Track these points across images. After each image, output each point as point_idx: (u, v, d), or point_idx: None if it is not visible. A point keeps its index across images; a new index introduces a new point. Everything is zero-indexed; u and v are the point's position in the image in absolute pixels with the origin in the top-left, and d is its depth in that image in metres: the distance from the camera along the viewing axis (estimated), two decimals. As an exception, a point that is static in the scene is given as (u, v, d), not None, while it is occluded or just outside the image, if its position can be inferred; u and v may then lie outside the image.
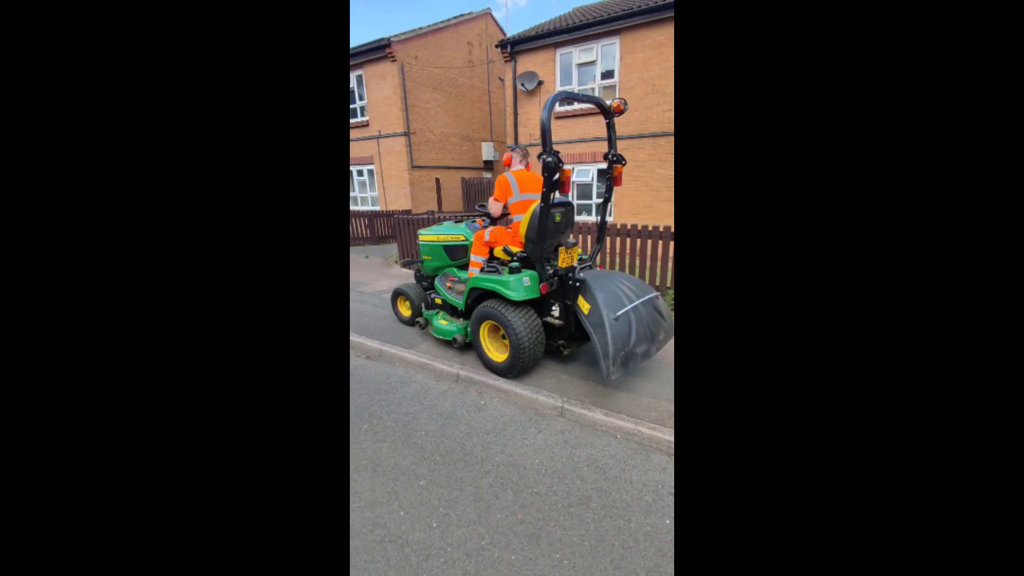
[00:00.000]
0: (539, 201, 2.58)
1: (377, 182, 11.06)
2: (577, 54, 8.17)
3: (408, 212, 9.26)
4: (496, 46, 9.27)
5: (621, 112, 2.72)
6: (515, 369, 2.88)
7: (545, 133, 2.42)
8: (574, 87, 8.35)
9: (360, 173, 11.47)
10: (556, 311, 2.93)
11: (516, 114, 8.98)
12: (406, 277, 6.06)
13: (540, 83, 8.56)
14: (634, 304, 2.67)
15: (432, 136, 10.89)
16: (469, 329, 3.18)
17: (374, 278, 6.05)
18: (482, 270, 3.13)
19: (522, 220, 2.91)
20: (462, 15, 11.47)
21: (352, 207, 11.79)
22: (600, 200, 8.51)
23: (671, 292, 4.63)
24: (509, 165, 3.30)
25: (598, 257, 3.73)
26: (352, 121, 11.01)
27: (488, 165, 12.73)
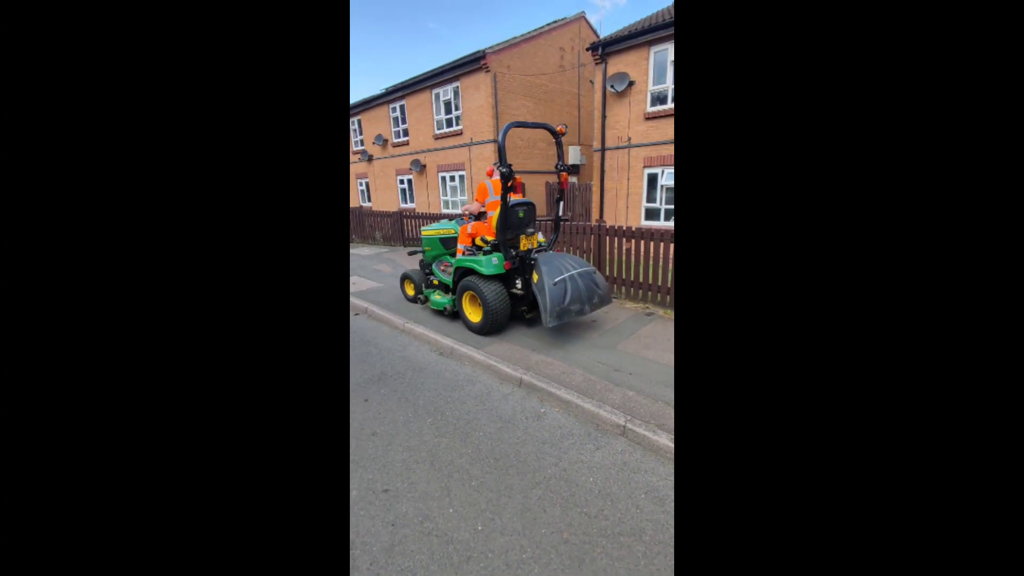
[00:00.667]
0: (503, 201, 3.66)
1: (466, 186, 11.63)
2: (673, 50, 7.70)
3: (492, 216, 9.58)
4: (587, 49, 9.15)
5: (564, 134, 3.98)
6: (486, 327, 3.85)
7: (501, 151, 3.53)
8: (668, 86, 7.88)
9: (452, 179, 12.17)
10: (519, 284, 3.94)
11: (604, 116, 8.76)
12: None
13: (631, 83, 8.23)
14: (570, 274, 3.57)
15: (520, 142, 11.12)
16: (455, 301, 4.21)
17: (455, 279, 6.36)
18: (463, 254, 4.19)
19: (494, 215, 3.87)
20: (555, 21, 11.54)
21: (443, 210, 12.58)
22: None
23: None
24: (491, 175, 4.06)
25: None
26: (447, 130, 11.75)
27: (575, 169, 12.60)
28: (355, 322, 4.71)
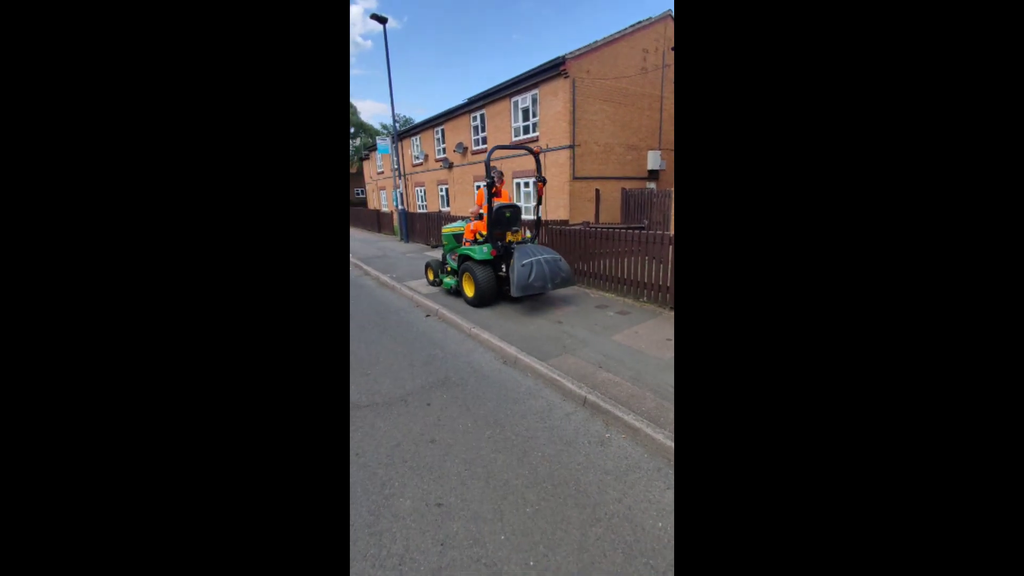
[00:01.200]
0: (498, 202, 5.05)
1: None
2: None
3: (565, 222, 9.41)
4: (672, 48, 8.61)
5: (540, 152, 5.95)
6: (477, 299, 5.07)
7: (487, 166, 4.84)
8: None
9: (526, 184, 12.23)
10: (504, 268, 5.10)
11: (690, 119, 8.16)
12: (553, 287, 6.16)
13: (723, 82, 7.58)
14: (537, 259, 4.74)
15: (596, 147, 10.82)
16: (458, 281, 5.51)
17: (523, 286, 6.30)
18: (467, 246, 5.43)
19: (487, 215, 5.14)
20: (639, 22, 11.08)
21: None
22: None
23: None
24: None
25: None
26: (524, 137, 11.84)
27: (653, 175, 11.95)
28: (425, 323, 4.86)
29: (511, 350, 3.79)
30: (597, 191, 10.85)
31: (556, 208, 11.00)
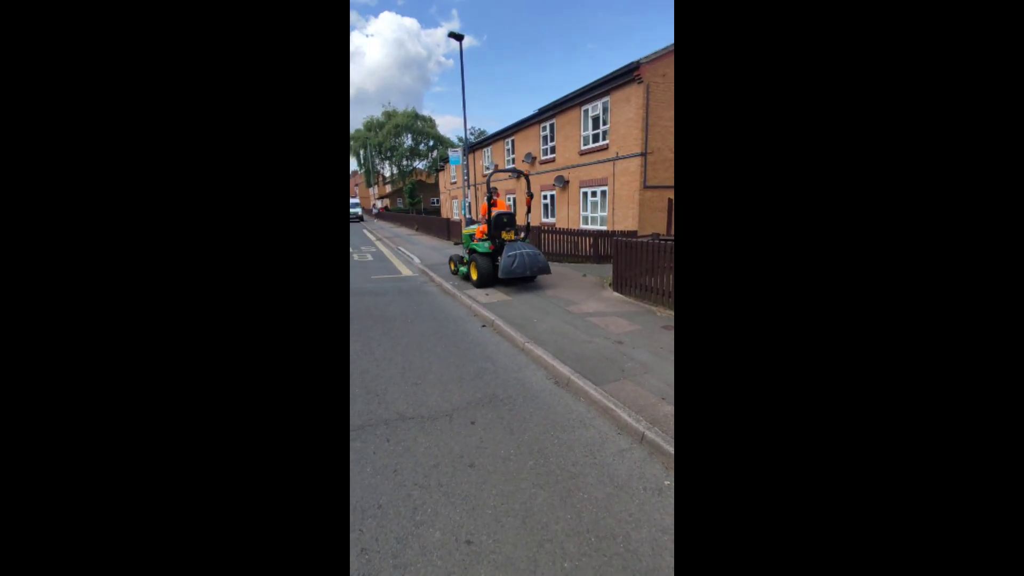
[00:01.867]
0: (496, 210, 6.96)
1: (608, 202, 11.17)
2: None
3: (633, 233, 8.91)
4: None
5: (528, 175, 7.92)
6: (479, 281, 6.82)
7: (488, 186, 7.11)
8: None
9: (594, 194, 11.88)
10: (500, 259, 6.55)
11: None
12: (616, 303, 5.78)
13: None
14: (520, 252, 6.48)
15: (670, 155, 10.16)
16: (468, 268, 7.25)
17: (584, 298, 6.01)
18: (476, 242, 7.16)
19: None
20: (726, 18, 10.28)
21: (582, 226, 12.34)
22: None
23: None
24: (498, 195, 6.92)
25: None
26: (593, 146, 11.53)
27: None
28: (480, 334, 4.79)
29: (564, 370, 3.55)
30: (670, 200, 10.17)
31: (624, 218, 10.49)
